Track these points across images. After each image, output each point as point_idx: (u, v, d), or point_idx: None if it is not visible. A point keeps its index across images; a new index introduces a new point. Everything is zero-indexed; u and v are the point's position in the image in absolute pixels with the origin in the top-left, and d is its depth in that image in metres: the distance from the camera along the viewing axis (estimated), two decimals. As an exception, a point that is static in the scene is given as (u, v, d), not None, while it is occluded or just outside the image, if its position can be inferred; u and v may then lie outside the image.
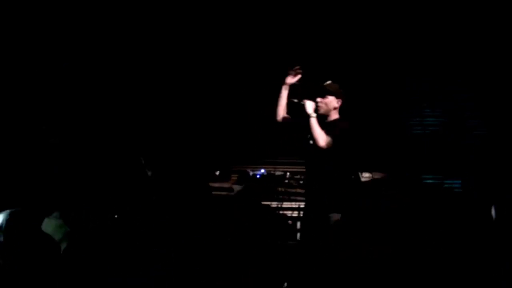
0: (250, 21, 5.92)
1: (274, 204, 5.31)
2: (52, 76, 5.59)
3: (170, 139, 5.81)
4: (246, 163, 5.86)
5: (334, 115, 3.93)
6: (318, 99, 3.90)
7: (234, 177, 5.63)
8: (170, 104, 5.89)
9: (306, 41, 5.95)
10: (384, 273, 3.72)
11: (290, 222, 5.15)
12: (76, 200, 4.05)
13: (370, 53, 5.91)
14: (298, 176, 5.35)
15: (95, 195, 4.47)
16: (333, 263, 3.66)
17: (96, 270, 3.10)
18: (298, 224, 5.05)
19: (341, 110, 3.96)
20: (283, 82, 4.17)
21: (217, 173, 5.56)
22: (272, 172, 5.53)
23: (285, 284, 3.74)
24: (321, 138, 3.70)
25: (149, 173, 4.97)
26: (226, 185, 5.35)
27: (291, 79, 4.15)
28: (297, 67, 4.12)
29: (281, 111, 4.17)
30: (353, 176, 4.02)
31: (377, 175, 5.28)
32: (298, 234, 5.01)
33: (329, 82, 3.98)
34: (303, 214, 4.20)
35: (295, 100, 4.01)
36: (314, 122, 3.78)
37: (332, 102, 3.92)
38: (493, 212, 3.66)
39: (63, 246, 3.15)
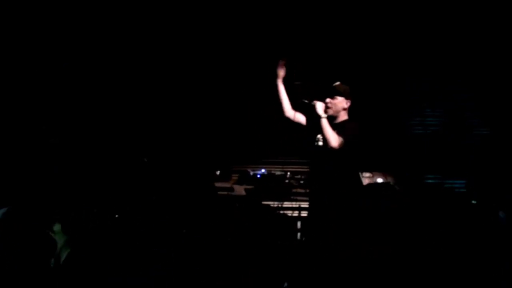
0: (250, 21, 5.92)
1: (274, 204, 5.31)
2: (52, 76, 5.59)
3: (170, 139, 5.81)
4: (247, 163, 5.86)
5: (343, 116, 3.91)
6: (327, 100, 3.89)
7: (235, 177, 5.64)
8: (171, 104, 5.89)
9: (306, 41, 5.95)
10: (384, 273, 3.72)
11: (290, 222, 5.15)
12: (76, 200, 4.05)
13: (370, 53, 5.91)
14: (299, 176, 5.35)
15: (95, 195, 4.47)
16: (333, 263, 3.65)
17: (96, 270, 3.10)
18: (298, 224, 5.06)
19: (350, 111, 3.93)
20: (276, 77, 4.18)
21: (218, 173, 5.56)
22: (272, 172, 5.53)
23: (285, 284, 3.74)
24: (333, 138, 3.68)
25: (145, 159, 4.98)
26: (226, 185, 5.36)
27: (281, 71, 4.16)
28: (283, 60, 4.14)
29: (286, 105, 4.14)
30: (354, 176, 4.00)
31: (377, 175, 5.29)
32: (298, 234, 5.01)
33: (338, 83, 3.96)
34: (308, 214, 4.19)
35: (306, 101, 3.99)
36: (325, 122, 3.76)
37: (341, 103, 3.89)
38: (501, 215, 3.65)
39: (67, 251, 3.17)
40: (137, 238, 3.97)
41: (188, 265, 4.06)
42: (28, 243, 2.62)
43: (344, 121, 3.89)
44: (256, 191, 5.20)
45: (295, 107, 4.14)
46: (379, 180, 5.24)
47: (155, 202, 4.96)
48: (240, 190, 5.20)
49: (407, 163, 5.84)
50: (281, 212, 5.28)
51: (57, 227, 3.26)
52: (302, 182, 5.30)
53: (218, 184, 5.34)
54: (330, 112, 3.88)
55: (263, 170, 5.51)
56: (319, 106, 3.86)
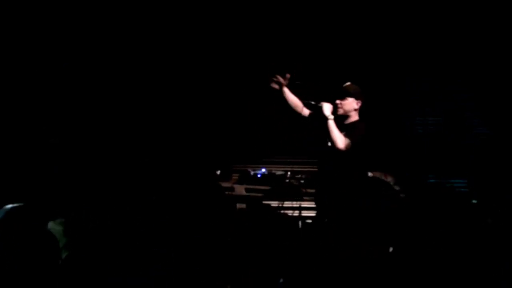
0: (250, 21, 5.92)
1: (274, 203, 5.31)
2: (52, 76, 5.59)
3: (170, 139, 5.81)
4: (247, 162, 5.86)
5: (354, 117, 3.87)
6: (337, 101, 3.84)
7: (235, 176, 5.64)
8: (171, 104, 5.90)
9: (306, 41, 5.96)
10: (384, 273, 3.71)
11: (290, 222, 5.15)
12: (76, 200, 4.05)
13: (370, 53, 5.91)
14: (299, 176, 5.36)
15: (95, 195, 4.47)
16: (333, 263, 3.65)
17: (96, 270, 3.10)
18: (299, 224, 5.05)
19: (361, 111, 3.90)
20: (280, 85, 4.11)
21: (218, 172, 5.57)
22: (273, 171, 5.53)
23: (281, 280, 3.73)
24: (340, 140, 3.65)
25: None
26: (227, 184, 5.36)
27: (284, 81, 4.10)
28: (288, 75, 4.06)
29: (299, 106, 4.07)
30: (359, 176, 3.97)
31: (378, 175, 5.28)
32: (298, 234, 5.00)
33: (348, 83, 3.92)
34: (316, 214, 4.18)
35: (312, 102, 3.96)
36: (332, 124, 3.72)
37: (351, 103, 3.85)
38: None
39: (66, 253, 3.17)
40: (137, 238, 3.97)
41: (188, 265, 4.06)
42: (31, 242, 2.63)
43: (355, 122, 3.84)
44: (257, 190, 5.20)
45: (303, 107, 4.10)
46: (379, 180, 5.24)
47: (155, 202, 4.96)
48: (240, 189, 5.20)
49: (407, 163, 5.84)
50: (281, 212, 5.27)
51: (58, 227, 3.27)
52: (302, 181, 5.30)
53: (218, 184, 5.34)
54: (340, 112, 3.83)
55: (263, 170, 5.51)
56: (326, 108, 3.81)
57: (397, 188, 5.34)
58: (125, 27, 5.77)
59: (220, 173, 5.58)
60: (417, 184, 5.67)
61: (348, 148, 3.63)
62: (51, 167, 5.09)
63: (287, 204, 5.28)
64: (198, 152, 5.84)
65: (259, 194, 5.18)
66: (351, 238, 3.67)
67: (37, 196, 4.21)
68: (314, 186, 4.20)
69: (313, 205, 4.90)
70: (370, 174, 4.20)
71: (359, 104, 3.87)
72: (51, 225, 3.15)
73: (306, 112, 4.04)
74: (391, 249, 3.87)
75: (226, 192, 5.19)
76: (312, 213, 4.83)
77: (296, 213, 5.20)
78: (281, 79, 4.01)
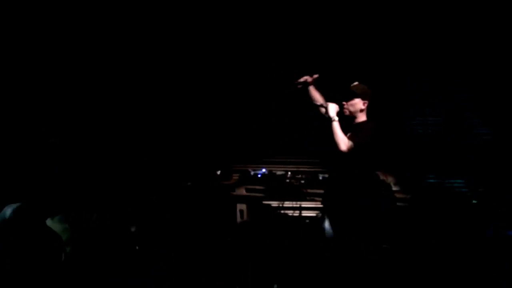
0: (250, 21, 5.93)
1: (274, 203, 5.31)
2: (52, 76, 5.59)
3: (171, 139, 5.81)
4: (247, 162, 5.87)
5: (362, 117, 3.80)
6: (343, 103, 3.79)
7: (236, 176, 5.64)
8: (171, 104, 5.90)
9: (306, 41, 5.96)
10: (384, 273, 3.72)
11: (290, 222, 5.15)
12: (76, 199, 4.05)
13: (370, 53, 5.91)
14: (299, 176, 5.36)
15: (95, 195, 4.47)
16: (333, 263, 3.65)
17: (96, 270, 3.10)
18: (298, 224, 5.05)
19: (369, 110, 3.85)
20: (306, 85, 4.03)
21: (218, 172, 5.57)
22: (273, 171, 5.54)
23: (275, 286, 3.73)
24: (343, 143, 3.60)
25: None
26: (227, 184, 5.36)
27: (309, 78, 4.03)
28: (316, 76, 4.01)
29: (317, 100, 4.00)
30: (371, 178, 3.93)
31: (378, 175, 5.28)
32: (298, 234, 5.00)
33: (356, 83, 3.88)
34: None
35: (318, 103, 3.93)
36: (336, 126, 3.66)
37: (358, 104, 3.77)
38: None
39: (69, 248, 3.18)
40: (137, 238, 3.97)
41: (188, 265, 4.06)
42: (33, 237, 2.65)
43: (362, 122, 3.79)
44: (257, 190, 5.21)
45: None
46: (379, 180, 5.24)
47: (155, 202, 4.97)
48: (240, 189, 5.21)
49: (407, 163, 5.84)
50: (282, 212, 5.28)
51: (57, 225, 3.28)
52: (302, 181, 5.31)
53: (219, 184, 5.35)
54: (346, 113, 3.78)
55: (263, 170, 5.52)
56: (332, 108, 3.76)
57: (397, 188, 5.35)
58: (125, 27, 5.77)
59: (221, 173, 5.58)
60: (417, 184, 5.67)
61: (350, 150, 3.60)
62: (51, 167, 5.09)
63: (287, 204, 5.29)
64: (198, 152, 5.84)
65: (259, 194, 5.18)
66: (351, 238, 3.68)
67: (37, 196, 4.21)
68: (315, 186, 4.19)
69: (313, 205, 4.91)
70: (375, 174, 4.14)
71: (366, 105, 3.81)
72: (49, 222, 3.15)
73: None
74: (391, 249, 3.87)
75: (227, 192, 5.20)
76: (312, 213, 4.83)
77: (296, 213, 5.20)
78: (308, 79, 3.96)
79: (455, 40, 5.89)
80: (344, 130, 3.69)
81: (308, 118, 5.71)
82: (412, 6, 5.82)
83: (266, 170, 5.53)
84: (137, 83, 5.83)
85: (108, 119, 5.70)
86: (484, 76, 5.87)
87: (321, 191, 4.27)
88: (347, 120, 3.76)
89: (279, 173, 5.49)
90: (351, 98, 3.78)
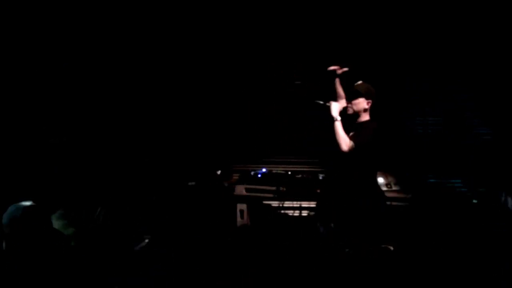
0: (250, 21, 5.92)
1: (274, 203, 5.31)
2: (52, 76, 5.59)
3: (171, 139, 5.81)
4: (247, 162, 5.87)
5: (365, 117, 3.78)
6: (347, 102, 3.78)
7: (236, 176, 5.64)
8: (171, 104, 5.90)
9: (306, 41, 5.96)
10: (384, 273, 3.71)
11: (290, 222, 5.15)
12: (76, 199, 4.05)
13: (370, 53, 5.91)
14: (299, 176, 5.36)
15: (95, 195, 4.47)
16: (333, 263, 3.65)
17: (96, 270, 3.10)
18: (299, 224, 5.05)
19: (372, 110, 3.83)
20: (335, 75, 4.00)
21: (219, 172, 5.57)
22: (273, 171, 5.54)
23: None
24: (344, 143, 3.58)
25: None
26: (227, 184, 5.36)
27: (339, 70, 4.00)
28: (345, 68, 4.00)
29: (343, 100, 3.99)
30: (370, 178, 3.91)
31: (378, 175, 5.28)
32: (298, 234, 5.01)
33: (359, 82, 3.85)
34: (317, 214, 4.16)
35: (321, 102, 3.90)
36: (338, 126, 3.65)
37: (361, 103, 3.75)
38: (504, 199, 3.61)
39: (73, 242, 3.20)
40: (137, 238, 3.98)
41: (188, 265, 4.06)
42: (41, 235, 2.67)
43: (365, 122, 3.78)
44: (257, 190, 5.20)
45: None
46: (380, 180, 5.24)
47: (155, 202, 4.97)
48: (240, 189, 5.20)
49: (407, 163, 5.83)
50: (282, 212, 5.28)
51: (58, 221, 3.29)
52: (303, 181, 5.30)
53: (219, 184, 5.35)
54: (350, 111, 3.76)
55: (263, 170, 5.51)
56: (335, 108, 3.74)
57: (397, 188, 5.35)
58: (125, 27, 5.77)
59: (221, 173, 5.58)
60: (417, 184, 5.67)
61: (352, 150, 3.58)
62: (51, 167, 5.09)
63: (287, 204, 5.29)
64: (198, 152, 5.84)
65: (259, 194, 5.18)
66: (351, 238, 3.67)
67: (37, 195, 4.21)
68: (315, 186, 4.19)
69: (313, 205, 4.91)
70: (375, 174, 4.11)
71: (369, 104, 3.79)
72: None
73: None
74: (391, 248, 3.87)
75: (227, 192, 5.20)
76: (312, 213, 4.83)
77: (296, 213, 5.20)
78: (338, 69, 3.94)
79: (455, 40, 5.89)
80: (347, 129, 3.68)
81: (308, 118, 5.74)
82: (412, 6, 5.81)
83: (266, 170, 5.53)
84: (138, 83, 5.83)
85: (108, 119, 5.70)
86: (484, 76, 5.87)
87: (322, 191, 4.28)
88: (349, 119, 3.74)
89: (279, 173, 5.48)
90: (355, 97, 3.76)
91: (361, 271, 3.58)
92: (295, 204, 5.26)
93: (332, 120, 3.70)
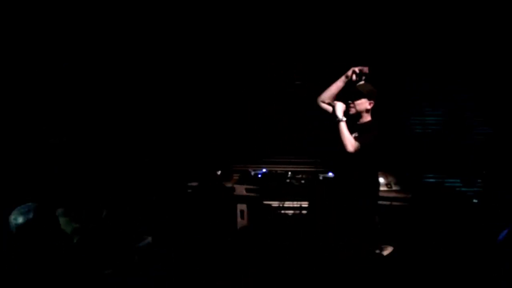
0: (250, 21, 5.92)
1: (275, 203, 5.31)
2: (52, 76, 5.59)
3: (171, 139, 5.81)
4: (247, 162, 5.87)
5: (367, 117, 3.78)
6: (350, 102, 3.76)
7: (236, 176, 5.64)
8: (171, 104, 5.89)
9: (306, 41, 5.96)
10: (384, 273, 3.72)
11: (290, 222, 5.15)
12: (76, 199, 4.05)
13: (370, 53, 5.90)
14: (299, 176, 5.36)
15: (95, 195, 4.47)
16: (333, 263, 3.65)
17: (96, 270, 3.11)
18: (299, 224, 5.06)
19: (374, 110, 3.81)
20: (361, 76, 3.94)
21: (219, 172, 5.57)
22: (273, 171, 5.53)
23: None
24: (349, 143, 3.56)
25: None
26: (227, 184, 5.36)
27: (353, 75, 3.93)
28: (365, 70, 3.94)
29: (327, 97, 3.95)
30: (372, 178, 3.90)
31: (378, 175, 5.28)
32: (298, 234, 5.01)
33: (362, 82, 3.84)
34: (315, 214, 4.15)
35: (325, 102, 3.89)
36: (343, 126, 3.63)
37: (363, 104, 3.74)
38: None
39: (76, 237, 3.21)
40: (137, 237, 3.97)
41: (188, 265, 4.07)
42: (50, 236, 2.68)
43: (367, 122, 3.77)
44: (257, 190, 5.20)
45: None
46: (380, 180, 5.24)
47: (155, 202, 4.97)
48: (240, 189, 5.21)
49: (407, 163, 5.83)
50: (282, 212, 5.28)
51: (62, 219, 3.30)
52: (302, 181, 5.30)
53: (219, 184, 5.34)
54: (352, 111, 3.76)
55: (264, 170, 5.51)
56: (339, 108, 3.73)
57: (397, 188, 5.35)
58: (125, 27, 5.77)
59: (221, 173, 5.58)
60: (417, 184, 5.67)
61: (357, 151, 3.57)
62: (51, 167, 5.09)
63: (287, 204, 5.29)
64: (198, 153, 5.84)
65: (259, 194, 5.18)
66: (351, 238, 3.68)
67: (37, 195, 4.21)
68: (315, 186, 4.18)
69: (313, 206, 4.89)
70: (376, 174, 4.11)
71: (372, 105, 3.78)
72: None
73: (321, 103, 3.94)
74: (391, 249, 3.87)
75: (227, 192, 5.20)
76: (312, 213, 4.82)
77: (296, 213, 5.20)
78: (357, 70, 3.88)
79: (455, 41, 5.89)
80: (349, 129, 3.68)
81: (308, 118, 5.74)
82: (412, 6, 5.81)
83: (266, 170, 5.53)
84: (138, 83, 5.83)
85: (108, 119, 5.69)
86: (484, 76, 5.86)
87: (322, 191, 4.27)
88: (351, 119, 3.74)
89: (279, 173, 5.48)
90: (357, 98, 3.75)
91: (361, 271, 3.58)
92: (295, 204, 5.26)
93: (336, 120, 3.69)
